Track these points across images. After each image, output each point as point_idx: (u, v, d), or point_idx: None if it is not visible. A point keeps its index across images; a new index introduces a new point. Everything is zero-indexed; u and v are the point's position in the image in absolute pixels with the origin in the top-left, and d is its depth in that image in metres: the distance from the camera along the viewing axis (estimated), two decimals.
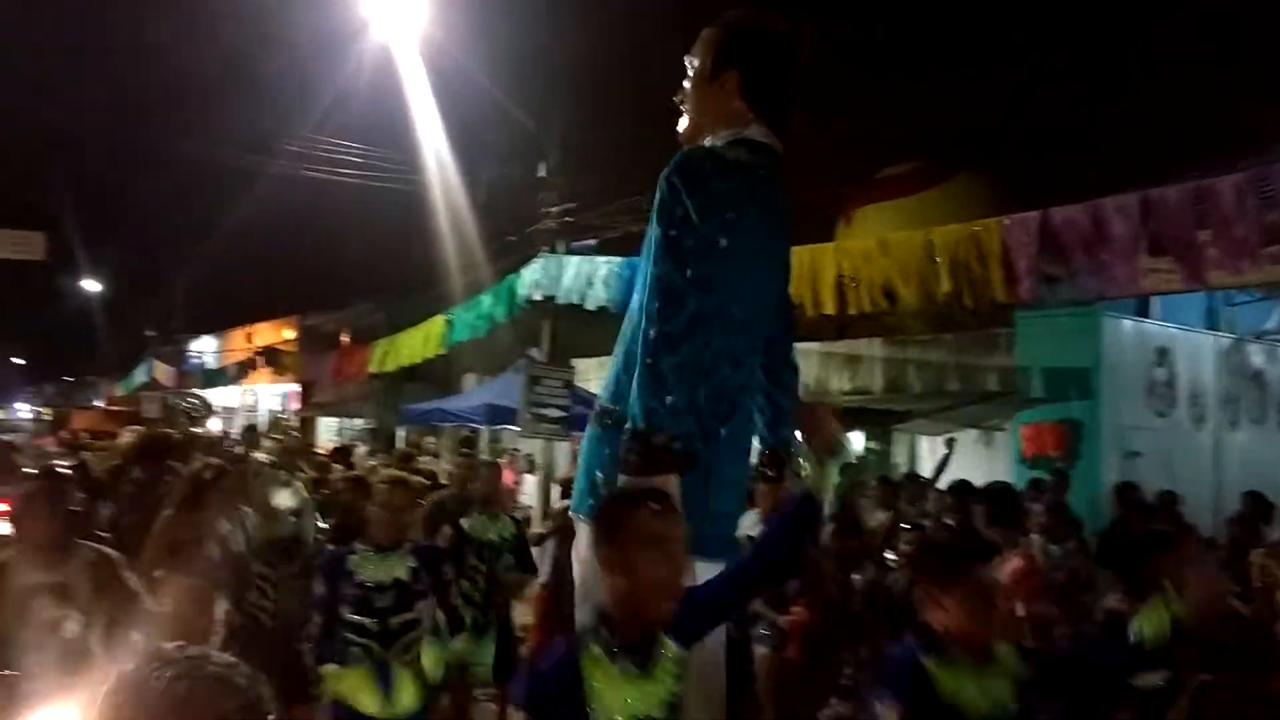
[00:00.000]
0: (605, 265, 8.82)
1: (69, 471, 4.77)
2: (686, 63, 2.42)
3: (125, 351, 40.86)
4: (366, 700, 3.81)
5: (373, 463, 10.01)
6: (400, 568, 4.00)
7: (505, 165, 13.29)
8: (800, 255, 7.86)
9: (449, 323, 12.47)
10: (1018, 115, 12.63)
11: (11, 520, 3.32)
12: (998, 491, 6.09)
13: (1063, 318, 9.71)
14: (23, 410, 52.18)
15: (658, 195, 2.16)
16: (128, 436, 7.40)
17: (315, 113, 13.87)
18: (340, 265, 24.19)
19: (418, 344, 13.35)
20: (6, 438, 5.75)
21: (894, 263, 7.36)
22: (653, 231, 2.15)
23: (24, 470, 5.01)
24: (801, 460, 2.45)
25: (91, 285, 32.64)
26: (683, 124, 2.42)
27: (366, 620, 3.89)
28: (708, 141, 2.30)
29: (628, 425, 2.06)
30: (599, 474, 2.21)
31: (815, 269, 7.84)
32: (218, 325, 34.38)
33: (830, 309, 7.81)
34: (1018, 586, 4.81)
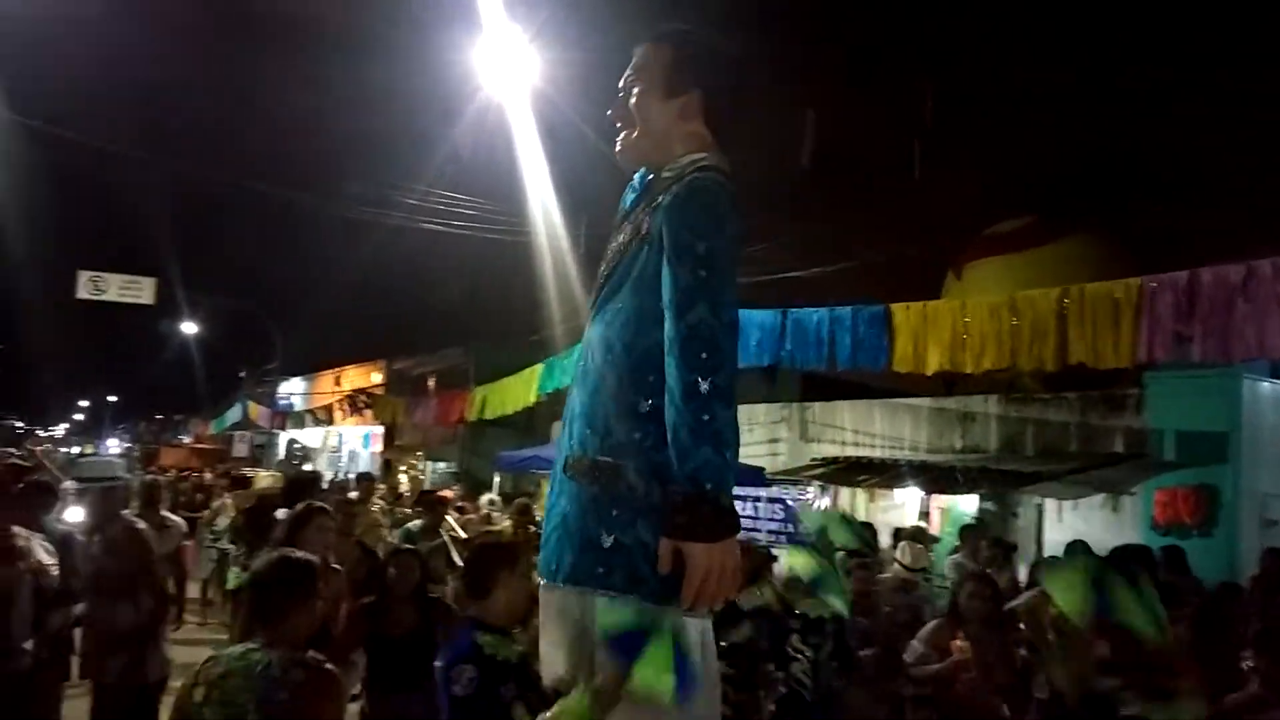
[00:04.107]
0: None
1: None
2: (633, 76, 2.23)
3: (216, 391, 42.36)
4: None
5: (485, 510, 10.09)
6: None
7: (608, 216, 13.44)
8: (915, 311, 7.72)
9: (548, 369, 12.56)
10: (1134, 171, 12.31)
11: None
12: None
13: (1197, 378, 9.34)
14: (113, 446, 54.17)
15: (671, 229, 1.99)
16: (265, 480, 7.55)
17: (429, 168, 14.26)
18: (430, 311, 24.69)
19: (519, 391, 13.45)
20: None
21: (1024, 320, 7.17)
22: (669, 269, 1.98)
23: None
24: None
25: (188, 327, 33.78)
26: (631, 140, 2.23)
27: None
28: (683, 162, 2.13)
29: (678, 486, 1.88)
30: (609, 537, 1.98)
31: (931, 324, 7.66)
32: (306, 367, 35.31)
33: (946, 365, 7.63)
34: None
